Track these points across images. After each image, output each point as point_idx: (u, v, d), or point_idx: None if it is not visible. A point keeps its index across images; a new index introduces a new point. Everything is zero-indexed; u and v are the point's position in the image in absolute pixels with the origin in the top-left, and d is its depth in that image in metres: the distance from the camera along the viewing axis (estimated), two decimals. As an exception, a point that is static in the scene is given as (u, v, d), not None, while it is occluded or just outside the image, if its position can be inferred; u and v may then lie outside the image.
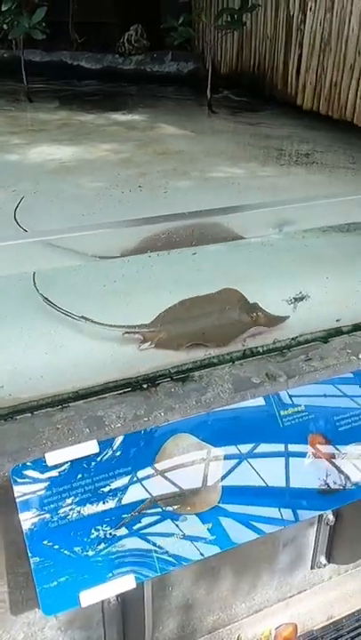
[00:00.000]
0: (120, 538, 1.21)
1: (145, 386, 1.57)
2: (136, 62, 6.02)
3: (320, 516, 1.87)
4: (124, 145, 3.58)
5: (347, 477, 1.50)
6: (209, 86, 4.44)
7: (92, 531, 1.21)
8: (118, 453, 1.29)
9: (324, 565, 1.98)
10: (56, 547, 1.18)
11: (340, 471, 1.50)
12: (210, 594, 1.80)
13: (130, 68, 6.01)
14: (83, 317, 1.82)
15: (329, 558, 1.98)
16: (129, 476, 1.27)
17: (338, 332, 1.87)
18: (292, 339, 1.83)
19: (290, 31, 4.11)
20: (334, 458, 1.49)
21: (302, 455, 1.46)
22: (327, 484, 1.48)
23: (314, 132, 3.88)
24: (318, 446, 1.47)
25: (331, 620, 2.03)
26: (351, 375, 1.64)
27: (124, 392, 1.55)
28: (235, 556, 1.78)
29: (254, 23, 4.64)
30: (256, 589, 1.90)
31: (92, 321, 1.81)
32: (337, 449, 1.50)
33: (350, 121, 3.45)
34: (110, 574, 1.18)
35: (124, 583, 1.18)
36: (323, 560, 1.97)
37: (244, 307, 1.97)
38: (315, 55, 3.80)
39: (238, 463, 1.39)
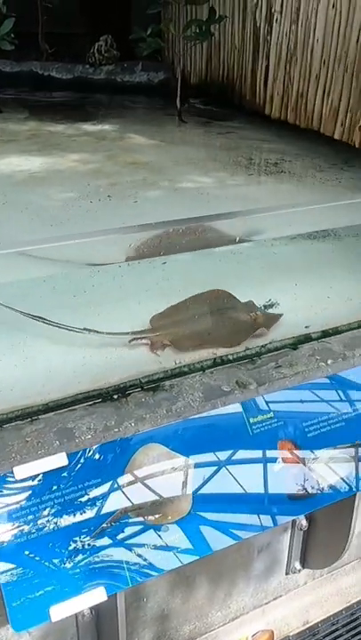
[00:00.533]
0: (90, 550, 1.21)
1: (115, 396, 1.57)
2: (106, 72, 6.03)
3: (293, 522, 1.89)
4: (93, 155, 3.58)
5: (317, 482, 1.52)
6: (178, 96, 4.47)
7: (62, 544, 1.20)
8: (88, 465, 1.29)
9: (299, 571, 2.00)
10: (25, 561, 1.16)
11: (310, 476, 1.51)
12: (185, 603, 1.79)
13: (100, 78, 6.01)
14: (85, 329, 1.79)
15: (303, 563, 2.00)
16: (99, 488, 1.27)
17: (307, 338, 1.90)
18: (262, 346, 1.84)
19: (257, 42, 4.16)
20: (304, 463, 1.51)
21: (273, 461, 1.47)
22: (298, 489, 1.49)
23: (282, 141, 3.93)
24: (288, 452, 1.49)
25: (307, 626, 2.04)
26: (320, 381, 1.67)
27: (95, 403, 1.54)
28: (210, 565, 1.78)
29: (222, 34, 4.69)
30: (232, 597, 1.91)
31: (95, 331, 1.79)
32: (307, 454, 1.52)
33: (317, 130, 3.51)
34: (81, 587, 1.18)
35: (95, 596, 1.17)
36: (297, 565, 1.99)
37: (242, 306, 1.99)
38: (281, 66, 3.85)
39: (209, 471, 1.39)
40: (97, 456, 1.32)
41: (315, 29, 3.44)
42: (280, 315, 1.99)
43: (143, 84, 5.89)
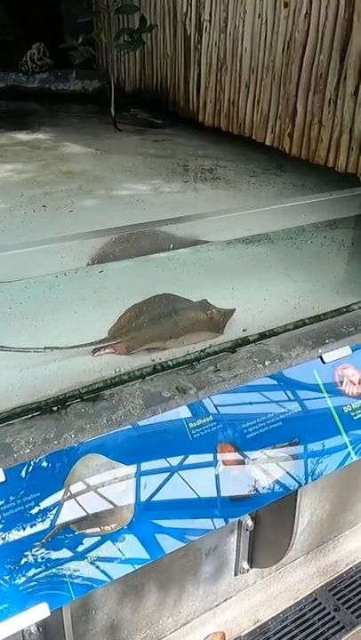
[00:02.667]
0: (30, 566, 1.19)
1: (55, 408, 1.55)
2: (40, 80, 5.97)
3: (240, 522, 1.91)
4: (27, 165, 3.53)
5: (259, 481, 1.55)
6: (113, 104, 4.47)
7: (1, 562, 1.17)
8: (27, 480, 1.27)
9: (248, 570, 2.02)
10: None
11: (251, 476, 1.54)
12: (135, 612, 1.79)
13: (34, 86, 5.95)
14: (46, 348, 1.80)
15: (251, 563, 2.02)
16: (39, 503, 1.25)
17: (245, 341, 1.93)
18: (201, 350, 1.86)
19: (188, 51, 4.22)
20: (245, 464, 1.53)
21: (214, 464, 1.49)
22: (241, 489, 1.52)
23: (216, 148, 3.99)
24: (228, 454, 1.51)
25: (257, 624, 2.06)
26: (258, 383, 1.70)
27: (33, 416, 1.52)
28: (158, 572, 1.78)
29: (154, 42, 4.73)
30: (182, 602, 1.91)
31: (56, 348, 1.80)
32: (247, 455, 1.54)
33: (249, 136, 3.58)
34: (23, 604, 1.15)
35: (38, 612, 1.15)
36: (245, 565, 2.01)
37: (197, 305, 2.06)
38: (213, 74, 3.92)
39: (150, 478, 1.39)
40: (36, 470, 1.30)
41: (242, 39, 3.52)
42: (233, 310, 2.06)
43: (78, 92, 5.87)
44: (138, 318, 1.99)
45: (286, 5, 3.07)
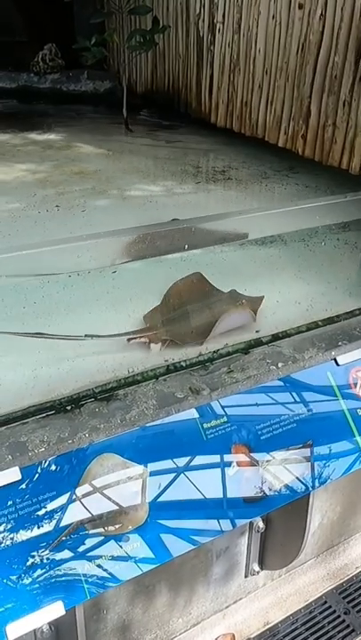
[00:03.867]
0: (46, 565, 1.19)
1: (69, 407, 1.56)
2: (52, 81, 5.99)
3: (251, 524, 1.91)
4: (40, 165, 3.55)
5: (272, 483, 1.54)
6: (125, 105, 4.48)
7: (18, 560, 1.18)
8: (42, 479, 1.27)
9: (258, 572, 2.02)
10: (-21, 580, 1.14)
11: (264, 478, 1.54)
12: (146, 612, 1.79)
13: (46, 86, 5.97)
14: (87, 335, 1.83)
15: (262, 565, 2.02)
16: (54, 502, 1.25)
17: (258, 342, 1.93)
18: (214, 352, 1.86)
19: (201, 52, 4.22)
20: (259, 465, 1.53)
21: (227, 465, 1.48)
22: (253, 491, 1.51)
23: (228, 149, 3.99)
24: (242, 455, 1.51)
25: (267, 626, 2.06)
26: (272, 384, 1.70)
27: (48, 415, 1.52)
28: (169, 572, 1.78)
29: (166, 43, 4.73)
30: (192, 603, 1.91)
31: (95, 336, 1.83)
32: (261, 456, 1.54)
33: (262, 138, 3.57)
34: (38, 603, 1.16)
35: (53, 611, 1.16)
36: (256, 567, 2.01)
37: (227, 295, 2.10)
38: (225, 75, 3.91)
39: (164, 478, 1.40)
40: (51, 469, 1.30)
41: (256, 40, 3.52)
42: (262, 297, 2.10)
43: (89, 92, 5.89)
44: (173, 309, 2.03)
45: (301, 7, 3.06)
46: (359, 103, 2.74)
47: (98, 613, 1.66)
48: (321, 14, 2.92)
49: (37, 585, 1.17)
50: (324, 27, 2.92)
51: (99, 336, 1.84)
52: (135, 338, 1.88)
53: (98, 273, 2.12)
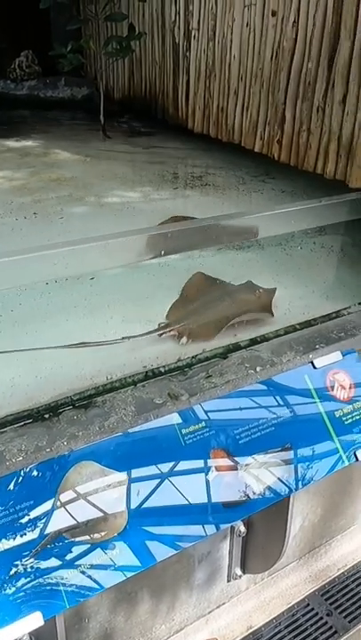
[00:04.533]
0: (23, 575, 1.18)
1: (47, 415, 1.55)
2: (29, 88, 5.98)
3: (232, 528, 1.92)
4: (17, 172, 3.53)
5: (252, 487, 1.55)
6: (102, 111, 4.48)
7: (-5, 571, 1.17)
8: (19, 488, 1.26)
9: (240, 576, 2.02)
10: None
11: (244, 482, 1.54)
12: (128, 620, 1.78)
13: (23, 93, 5.96)
14: (124, 338, 1.91)
15: (244, 569, 2.02)
16: (32, 511, 1.24)
17: (236, 347, 1.94)
18: (193, 357, 1.87)
19: (177, 58, 4.24)
20: (237, 470, 1.53)
21: (207, 470, 1.49)
22: (233, 495, 1.52)
23: (206, 154, 4.01)
24: (221, 460, 1.51)
25: (250, 630, 2.06)
26: (250, 388, 1.71)
27: (25, 424, 1.51)
28: (151, 579, 1.78)
29: (143, 50, 4.75)
30: (175, 609, 1.91)
31: (132, 337, 1.91)
32: (240, 461, 1.55)
33: (238, 143, 3.60)
34: (16, 614, 1.15)
35: (32, 622, 1.15)
36: (238, 571, 2.01)
37: (244, 287, 2.22)
38: (201, 81, 3.94)
39: (143, 485, 1.39)
40: (29, 478, 1.29)
41: (231, 46, 3.54)
42: (275, 289, 2.22)
43: (67, 99, 5.88)
44: (194, 303, 2.13)
45: (274, 14, 3.10)
46: (333, 109, 2.77)
47: (79, 622, 1.64)
48: (294, 22, 2.96)
49: (15, 595, 1.16)
50: (297, 34, 2.96)
51: (135, 336, 1.92)
52: (166, 332, 1.98)
53: (76, 280, 2.12)
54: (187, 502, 1.42)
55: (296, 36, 2.96)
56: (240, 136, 3.59)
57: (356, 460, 1.72)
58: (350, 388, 1.80)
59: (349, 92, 2.68)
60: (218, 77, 3.75)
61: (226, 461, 1.51)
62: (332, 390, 1.78)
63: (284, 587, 2.18)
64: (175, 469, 1.45)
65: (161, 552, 1.37)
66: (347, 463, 1.70)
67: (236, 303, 2.12)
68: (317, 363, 1.83)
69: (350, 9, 2.59)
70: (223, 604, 2.05)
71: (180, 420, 1.54)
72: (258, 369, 1.79)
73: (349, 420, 1.75)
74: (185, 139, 4.27)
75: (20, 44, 5.90)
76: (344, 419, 1.74)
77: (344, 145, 2.74)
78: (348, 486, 2.26)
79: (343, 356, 1.87)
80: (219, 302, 2.12)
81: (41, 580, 1.19)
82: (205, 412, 1.59)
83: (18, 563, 1.20)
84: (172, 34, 4.25)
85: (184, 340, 1.98)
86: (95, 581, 1.26)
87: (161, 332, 1.98)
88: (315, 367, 1.81)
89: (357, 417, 1.75)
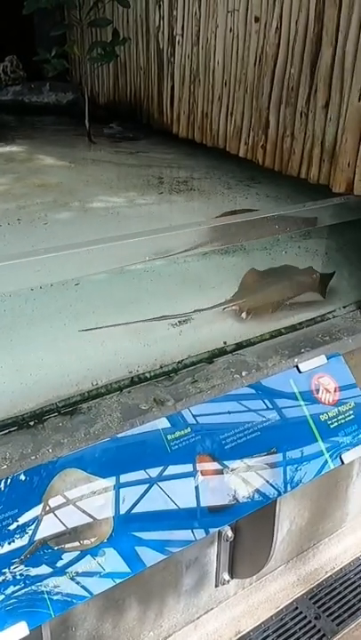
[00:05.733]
0: (8, 585, 1.17)
1: (32, 423, 1.54)
2: (14, 93, 5.97)
3: (219, 533, 1.92)
4: (1, 178, 3.50)
5: (238, 492, 1.55)
6: (87, 116, 4.47)
7: (-21, 582, 1.16)
8: (4, 496, 1.25)
9: (228, 581, 2.02)
10: None
11: (230, 487, 1.54)
12: (116, 627, 1.77)
13: (7, 98, 5.94)
14: (196, 311, 2.10)
15: (232, 574, 2.03)
16: (16, 519, 1.23)
17: (222, 352, 1.94)
18: (179, 362, 1.87)
19: (161, 63, 4.24)
20: (223, 474, 1.54)
21: (193, 476, 1.49)
22: (220, 500, 1.52)
23: (191, 159, 4.01)
24: (207, 465, 1.51)
25: (239, 635, 2.06)
26: (236, 393, 1.71)
27: (10, 432, 1.51)
28: (139, 585, 1.77)
29: (128, 55, 4.74)
30: (163, 615, 1.90)
31: (200, 310, 2.09)
32: (226, 465, 1.55)
33: (223, 148, 3.60)
34: (1, 625, 1.14)
35: (16, 632, 1.14)
36: (226, 576, 2.01)
37: (304, 271, 2.39)
38: (186, 86, 3.94)
39: (129, 491, 1.39)
40: (14, 486, 1.29)
41: (215, 52, 3.55)
42: (333, 272, 2.39)
43: (52, 104, 5.87)
44: (256, 285, 2.31)
45: (257, 20, 3.11)
46: (316, 114, 2.79)
47: (66, 631, 1.63)
48: (277, 27, 2.97)
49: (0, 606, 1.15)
50: (279, 39, 2.97)
51: (204, 309, 2.09)
52: (228, 306, 2.15)
53: (60, 286, 2.11)
54: (174, 507, 1.42)
55: (279, 41, 2.98)
56: (225, 141, 3.59)
57: (342, 463, 1.73)
58: (335, 391, 1.81)
59: (331, 97, 2.70)
60: (202, 82, 3.76)
61: (212, 466, 1.51)
62: (318, 394, 1.79)
63: (272, 591, 2.18)
64: (162, 475, 1.45)
65: (150, 557, 1.37)
66: (333, 466, 1.71)
67: (294, 285, 2.31)
68: (303, 367, 1.84)
69: (332, 16, 2.61)
70: (211, 609, 2.05)
71: (166, 426, 1.53)
72: (243, 373, 1.80)
73: (335, 424, 1.75)
74: (170, 144, 4.27)
75: (3, 49, 5.88)
76: (329, 422, 1.75)
77: (327, 150, 2.75)
78: (335, 489, 2.27)
79: (328, 359, 1.88)
80: (278, 283, 2.33)
81: (26, 588, 1.18)
82: (191, 418, 1.59)
83: (2, 571, 1.19)
84: (157, 39, 4.26)
85: (244, 315, 2.13)
86: (82, 588, 1.26)
87: (224, 306, 2.14)
88: (300, 371, 1.82)
89: (342, 420, 1.76)
